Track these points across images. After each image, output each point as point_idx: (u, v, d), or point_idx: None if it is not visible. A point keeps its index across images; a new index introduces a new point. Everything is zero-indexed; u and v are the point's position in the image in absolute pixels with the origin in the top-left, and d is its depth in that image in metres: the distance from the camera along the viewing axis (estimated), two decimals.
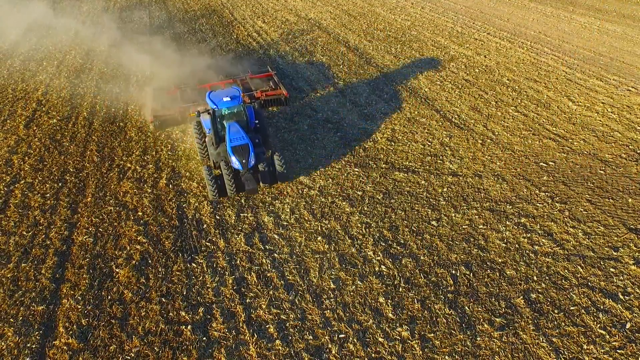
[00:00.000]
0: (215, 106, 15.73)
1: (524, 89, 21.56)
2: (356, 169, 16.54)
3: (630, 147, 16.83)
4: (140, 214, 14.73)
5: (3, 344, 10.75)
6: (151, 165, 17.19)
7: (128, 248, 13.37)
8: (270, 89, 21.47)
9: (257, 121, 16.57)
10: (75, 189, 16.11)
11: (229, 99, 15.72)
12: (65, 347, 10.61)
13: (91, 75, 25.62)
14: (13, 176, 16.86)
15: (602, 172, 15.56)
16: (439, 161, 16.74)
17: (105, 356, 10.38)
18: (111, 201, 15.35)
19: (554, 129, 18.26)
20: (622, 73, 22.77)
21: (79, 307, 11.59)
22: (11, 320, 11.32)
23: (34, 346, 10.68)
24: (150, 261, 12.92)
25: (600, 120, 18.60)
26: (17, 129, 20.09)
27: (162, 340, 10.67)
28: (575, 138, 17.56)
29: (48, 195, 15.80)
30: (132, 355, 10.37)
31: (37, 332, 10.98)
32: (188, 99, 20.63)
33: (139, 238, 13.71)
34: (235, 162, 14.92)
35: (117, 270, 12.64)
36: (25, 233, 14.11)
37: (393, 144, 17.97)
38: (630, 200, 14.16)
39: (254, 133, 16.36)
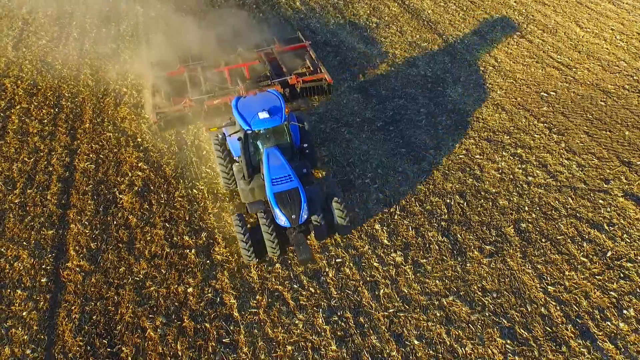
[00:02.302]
0: (248, 127, 11.29)
1: (531, 13, 20.67)
2: (355, 95, 16.36)
3: (634, 77, 16.56)
4: (139, 140, 14.79)
5: (20, 265, 11.36)
6: (147, 90, 16.89)
7: (130, 174, 13.61)
8: (307, 71, 16.29)
9: (305, 145, 12.35)
10: (72, 114, 15.97)
11: (266, 115, 11.23)
12: (77, 269, 11.22)
13: None
14: (7, 101, 16.62)
15: (602, 103, 15.47)
16: (439, 88, 16.52)
17: (115, 277, 11.02)
18: (110, 127, 15.32)
19: (558, 56, 17.81)
20: None
21: (87, 231, 12.08)
22: (24, 243, 11.85)
23: (48, 267, 11.29)
24: (152, 187, 13.22)
25: (607, 49, 18.10)
26: (6, 50, 19.40)
27: (168, 263, 11.27)
28: (580, 67, 17.20)
29: (45, 121, 15.70)
30: (141, 276, 11.02)
31: (50, 255, 11.55)
32: (200, 83, 15.49)
33: (139, 164, 13.90)
34: (280, 217, 10.70)
35: (121, 196, 12.98)
36: (27, 159, 14.24)
37: (393, 69, 17.59)
38: (627, 132, 14.25)
39: (299, 159, 12.15)
